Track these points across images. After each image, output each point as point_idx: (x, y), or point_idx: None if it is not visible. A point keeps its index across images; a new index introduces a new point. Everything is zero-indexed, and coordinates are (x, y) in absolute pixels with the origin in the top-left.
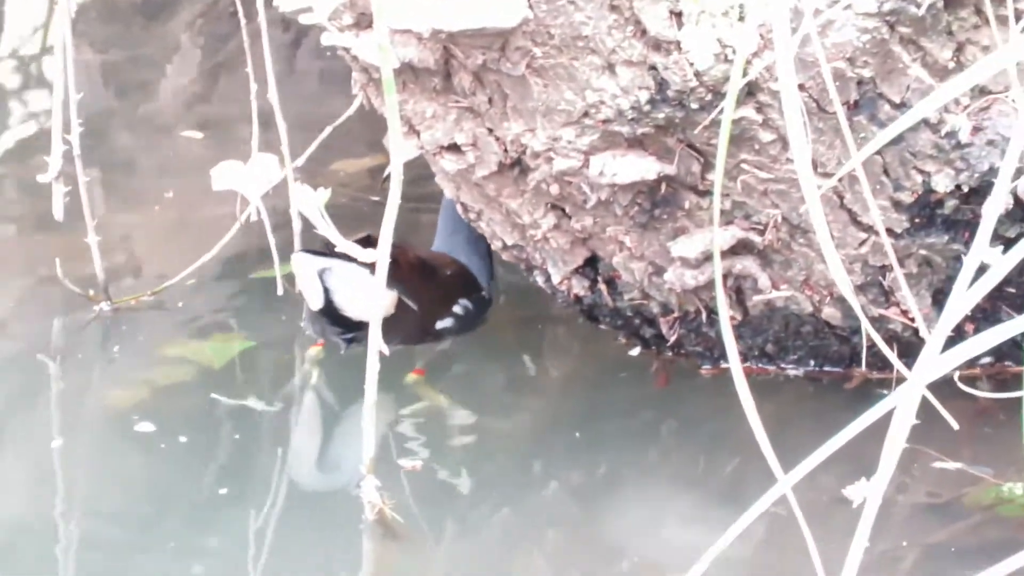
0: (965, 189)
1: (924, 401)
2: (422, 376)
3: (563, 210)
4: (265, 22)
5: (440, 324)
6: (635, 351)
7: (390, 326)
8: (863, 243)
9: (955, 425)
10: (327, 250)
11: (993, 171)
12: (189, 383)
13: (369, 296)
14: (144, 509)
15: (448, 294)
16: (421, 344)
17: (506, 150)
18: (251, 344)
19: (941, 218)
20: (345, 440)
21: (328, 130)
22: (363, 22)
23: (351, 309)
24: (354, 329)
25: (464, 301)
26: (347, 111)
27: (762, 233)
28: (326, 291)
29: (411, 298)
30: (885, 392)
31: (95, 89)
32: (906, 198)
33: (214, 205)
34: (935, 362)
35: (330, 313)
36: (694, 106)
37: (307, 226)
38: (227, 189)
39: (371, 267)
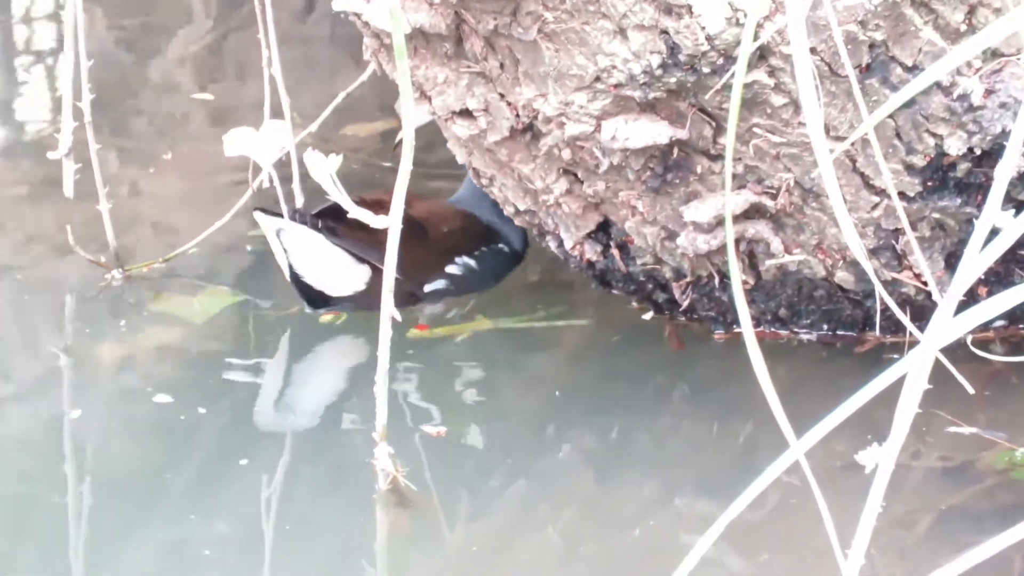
0: (977, 152)
1: (937, 365)
2: (425, 331)
3: (575, 175)
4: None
5: (429, 286)
6: (648, 315)
7: (371, 294)
8: (876, 207)
9: (970, 389)
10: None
11: (1005, 134)
12: (204, 351)
13: (326, 264)
14: (160, 480)
15: (443, 252)
16: (406, 307)
17: (518, 115)
18: (239, 299)
19: (953, 181)
20: (358, 405)
21: (340, 97)
22: None
23: (308, 275)
24: (318, 297)
25: (464, 259)
26: (359, 78)
27: (775, 197)
28: (285, 253)
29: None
30: (898, 356)
31: (106, 55)
32: (918, 161)
33: (226, 170)
34: (948, 326)
35: (295, 278)
36: (706, 70)
37: (319, 192)
38: (239, 155)
39: (327, 232)
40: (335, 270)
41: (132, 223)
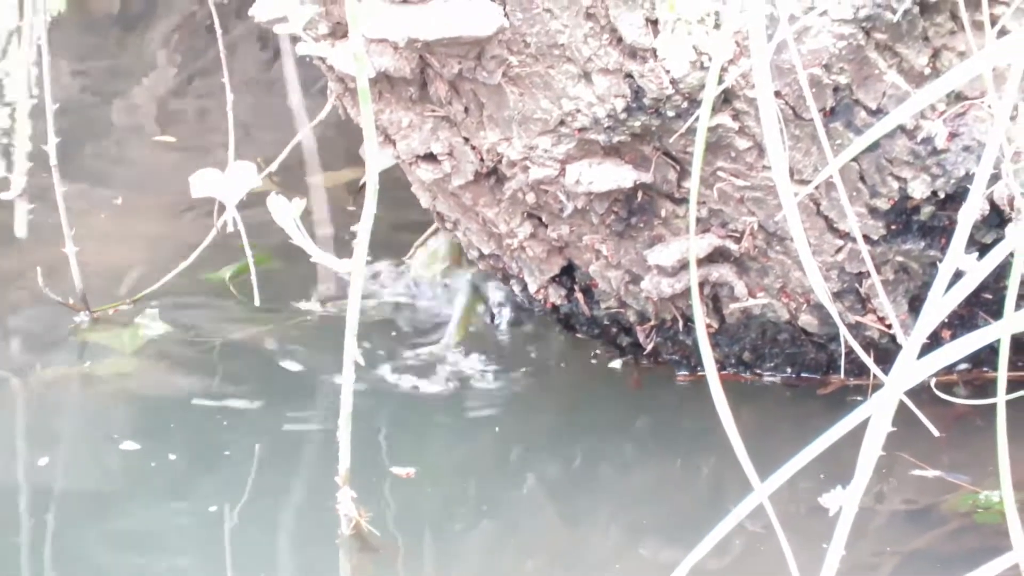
0: (941, 195)
1: (902, 408)
2: None
3: (539, 219)
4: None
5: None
6: (616, 363)
7: None
8: (840, 250)
9: (935, 432)
10: None
11: (969, 177)
12: (173, 391)
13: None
14: (118, 526)
15: None
16: None
17: (482, 159)
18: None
19: (917, 224)
20: (324, 445)
21: (297, 138)
22: (338, 31)
23: None
24: None
25: None
26: (320, 118)
27: (739, 241)
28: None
29: None
30: (862, 399)
31: (70, 100)
32: (882, 204)
33: (190, 212)
34: (912, 368)
35: None
36: (670, 114)
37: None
38: (204, 197)
39: None
40: None
41: (95, 265)
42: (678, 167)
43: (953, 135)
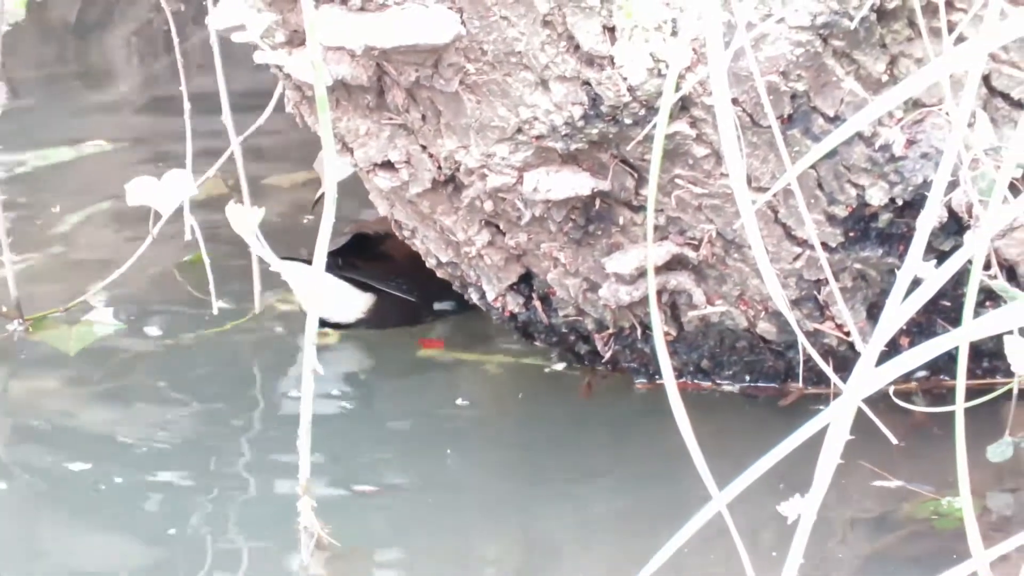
0: (899, 202)
1: (861, 417)
2: (438, 348)
3: (497, 227)
4: (216, 41)
5: (439, 305)
6: (559, 366)
7: (387, 312)
8: (798, 257)
9: (893, 440)
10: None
11: (927, 184)
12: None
13: (333, 300)
14: (77, 552)
15: None
16: (418, 325)
17: (440, 167)
18: (120, 326)
19: (875, 232)
20: (280, 447)
21: (238, 141)
22: (295, 40)
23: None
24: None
25: None
26: (260, 122)
27: (696, 248)
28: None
29: (408, 287)
30: (821, 407)
31: (21, 107)
32: (840, 212)
33: (136, 220)
34: (870, 376)
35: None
36: (628, 121)
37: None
38: (142, 204)
39: (340, 269)
40: (338, 301)
41: (36, 274)
42: (636, 175)
43: (911, 142)
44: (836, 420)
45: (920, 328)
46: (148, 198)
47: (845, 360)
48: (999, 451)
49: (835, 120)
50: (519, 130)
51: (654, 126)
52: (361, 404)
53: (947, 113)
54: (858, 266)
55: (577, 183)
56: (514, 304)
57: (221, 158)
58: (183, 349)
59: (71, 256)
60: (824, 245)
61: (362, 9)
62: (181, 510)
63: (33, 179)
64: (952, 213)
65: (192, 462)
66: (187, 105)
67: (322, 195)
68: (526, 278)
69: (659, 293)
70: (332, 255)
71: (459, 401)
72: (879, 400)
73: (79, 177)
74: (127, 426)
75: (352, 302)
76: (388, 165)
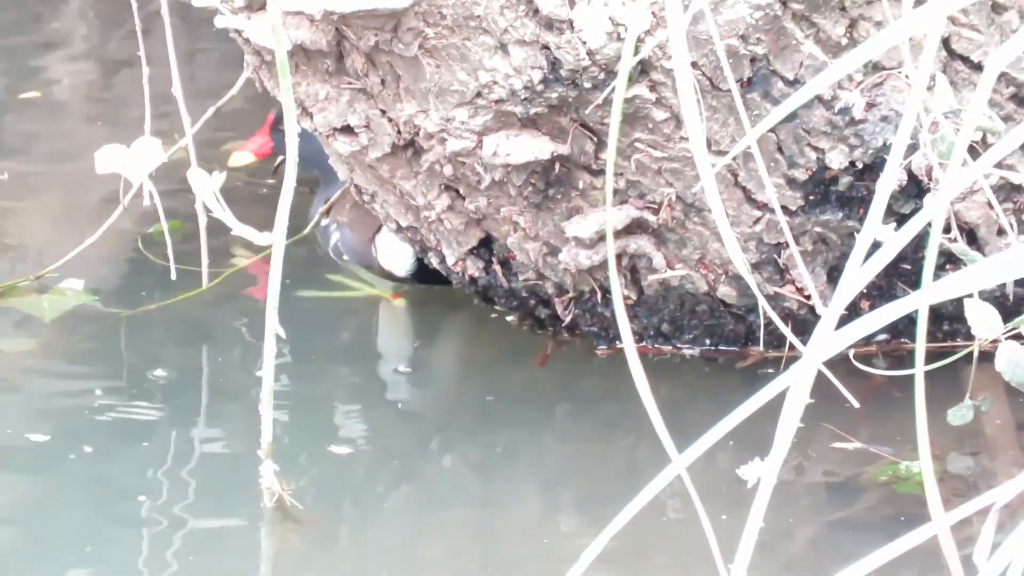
0: (859, 166)
1: (820, 379)
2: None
3: (457, 191)
4: (167, 7)
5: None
6: (510, 317)
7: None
8: (757, 221)
9: (855, 403)
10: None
11: (887, 147)
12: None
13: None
14: (49, 515)
15: None
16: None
17: (399, 132)
18: (93, 298)
19: (835, 195)
20: (240, 414)
21: (211, 111)
22: (255, 4)
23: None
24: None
25: None
26: (234, 91)
27: (656, 212)
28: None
29: None
30: (777, 370)
31: None
32: (800, 175)
33: (107, 188)
34: (830, 339)
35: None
36: (587, 85)
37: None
38: (112, 172)
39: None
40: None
41: (6, 242)
42: (595, 139)
43: (871, 105)
44: (796, 383)
45: (880, 291)
46: (117, 166)
47: (805, 324)
48: (959, 414)
49: (795, 83)
50: (478, 94)
51: (613, 90)
52: (327, 362)
53: (906, 76)
54: (818, 229)
55: (537, 147)
56: (474, 268)
57: (199, 121)
58: (148, 318)
59: (28, 224)
60: (784, 209)
61: None
62: (152, 480)
63: (27, 152)
64: (912, 176)
65: (162, 430)
66: (146, 70)
67: (282, 161)
68: (486, 242)
69: (619, 257)
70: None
71: (404, 367)
72: (839, 363)
73: (69, 148)
74: (97, 395)
75: (404, 253)
76: (348, 130)
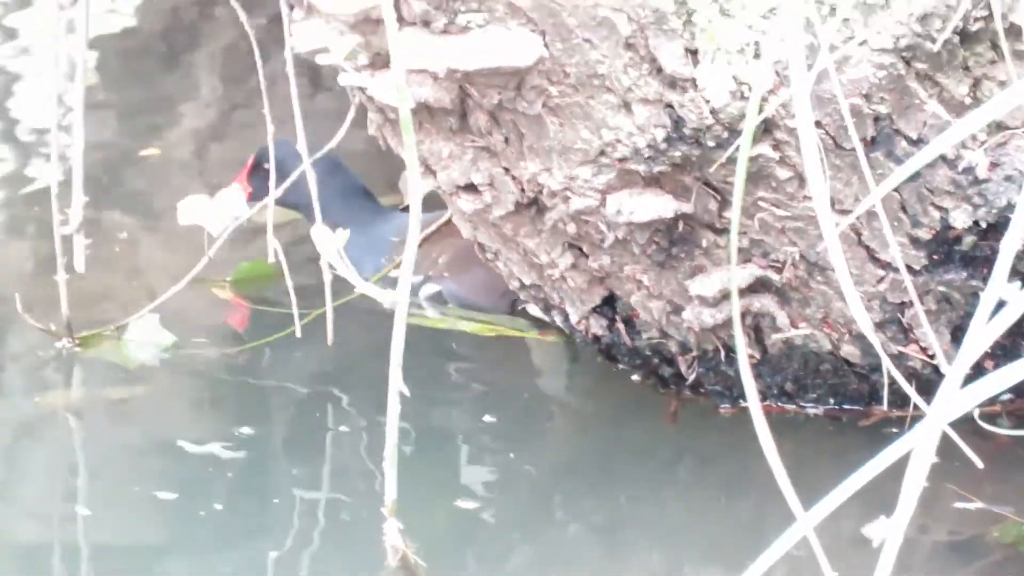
0: (983, 225)
1: (945, 439)
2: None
3: (580, 249)
4: (292, 64)
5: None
6: (635, 377)
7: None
8: (881, 280)
9: (978, 463)
10: None
11: (1011, 206)
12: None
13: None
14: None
15: None
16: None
17: (523, 189)
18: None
19: (959, 254)
20: (369, 471)
21: (304, 166)
22: (379, 62)
23: None
24: None
25: None
26: (332, 144)
27: (780, 271)
28: None
29: None
30: (904, 430)
31: (110, 130)
32: (924, 235)
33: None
34: (954, 398)
35: None
36: (710, 144)
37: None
38: (193, 224)
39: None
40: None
41: (107, 294)
42: (719, 197)
43: (994, 165)
44: (921, 443)
45: (1005, 351)
46: (199, 217)
47: (929, 383)
48: None
49: (918, 142)
50: (602, 152)
51: (737, 148)
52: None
53: None
54: (942, 289)
55: (660, 206)
56: (597, 327)
57: (289, 178)
58: (245, 365)
59: (115, 274)
60: (908, 268)
61: (445, 32)
62: (276, 536)
63: (140, 205)
64: None
65: (276, 478)
66: (271, 128)
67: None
68: (609, 300)
69: (743, 315)
70: None
71: (525, 420)
72: (963, 422)
73: (169, 200)
74: (213, 448)
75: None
76: (471, 188)
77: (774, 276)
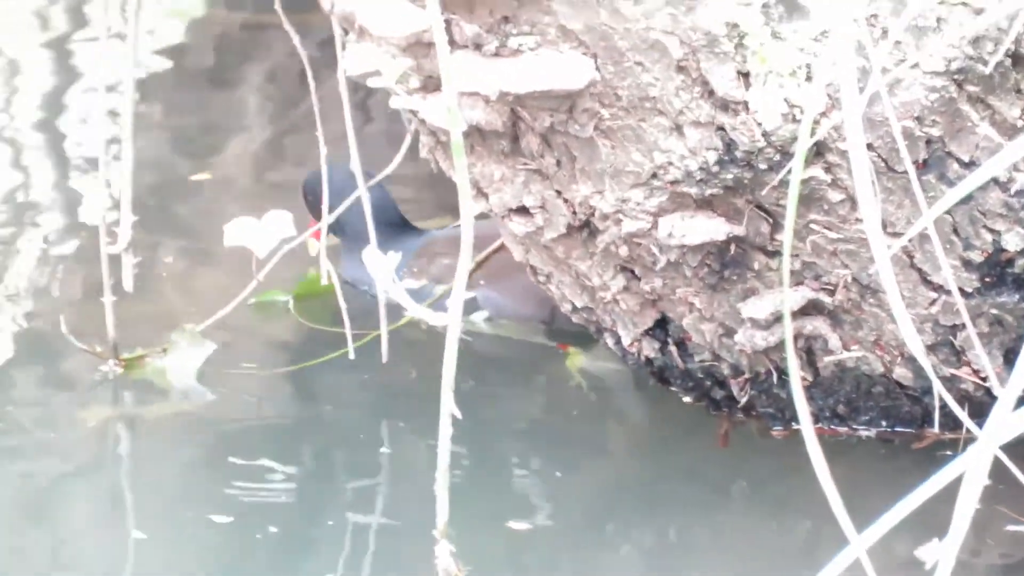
0: None
1: (997, 462)
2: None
3: (632, 272)
4: (345, 86)
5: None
6: (686, 398)
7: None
8: (933, 303)
9: None
10: None
11: None
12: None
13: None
14: None
15: None
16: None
17: (575, 212)
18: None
19: (1011, 277)
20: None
21: (364, 188)
22: (430, 85)
23: None
24: None
25: None
26: (388, 170)
27: (832, 293)
28: None
29: None
30: (957, 452)
31: (162, 154)
32: (976, 257)
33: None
34: (1007, 421)
35: None
36: (762, 166)
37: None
38: (239, 246)
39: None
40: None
41: (153, 317)
42: (771, 219)
43: None
44: (974, 466)
45: None
46: (244, 239)
47: (981, 406)
48: None
49: (970, 165)
50: (654, 175)
51: (789, 171)
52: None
53: None
54: (994, 311)
55: (712, 228)
56: (649, 349)
57: (344, 204)
58: (302, 384)
59: (162, 297)
60: (960, 290)
61: (496, 55)
62: (329, 551)
63: (192, 228)
64: None
65: (329, 500)
66: (323, 150)
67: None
68: (661, 323)
69: (795, 338)
70: None
71: (577, 443)
72: (1016, 445)
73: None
74: (266, 471)
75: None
76: (523, 210)
77: (826, 299)
